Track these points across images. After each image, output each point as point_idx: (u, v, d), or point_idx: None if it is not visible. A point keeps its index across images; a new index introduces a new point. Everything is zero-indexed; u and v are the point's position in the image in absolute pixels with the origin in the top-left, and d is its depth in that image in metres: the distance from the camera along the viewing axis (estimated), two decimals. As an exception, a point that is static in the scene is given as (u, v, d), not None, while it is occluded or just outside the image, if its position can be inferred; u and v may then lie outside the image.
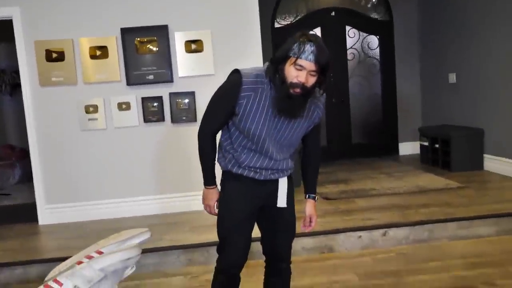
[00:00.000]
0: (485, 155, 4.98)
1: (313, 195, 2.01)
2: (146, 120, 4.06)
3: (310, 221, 1.98)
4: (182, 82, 4.05)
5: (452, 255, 3.08)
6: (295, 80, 1.63)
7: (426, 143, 5.55)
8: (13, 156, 5.96)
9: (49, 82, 3.96)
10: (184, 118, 4.09)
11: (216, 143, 1.93)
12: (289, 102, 1.68)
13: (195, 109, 4.07)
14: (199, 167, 1.91)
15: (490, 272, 2.73)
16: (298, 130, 1.85)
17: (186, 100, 4.06)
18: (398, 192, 4.32)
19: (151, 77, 4.00)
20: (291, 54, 1.61)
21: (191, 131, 3.88)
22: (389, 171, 5.33)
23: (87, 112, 4.02)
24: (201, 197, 1.96)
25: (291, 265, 2.07)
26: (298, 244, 3.24)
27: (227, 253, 1.91)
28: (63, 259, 3.10)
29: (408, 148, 6.45)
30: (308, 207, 2.01)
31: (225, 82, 1.84)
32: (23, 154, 5.89)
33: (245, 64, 3.79)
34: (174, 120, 4.08)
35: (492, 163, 4.87)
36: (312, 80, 1.65)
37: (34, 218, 4.14)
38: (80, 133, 4.04)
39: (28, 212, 4.25)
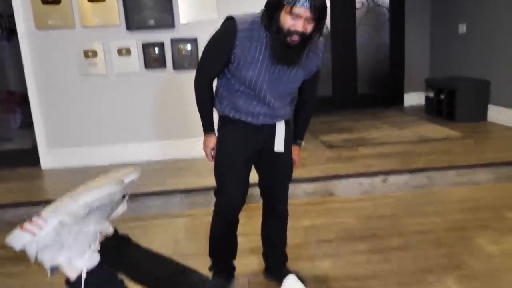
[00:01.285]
0: (489, 106, 5.23)
1: (300, 141, 2.18)
2: (147, 66, 4.20)
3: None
4: (184, 28, 4.17)
5: (450, 200, 3.36)
6: (292, 29, 1.68)
7: (431, 94, 5.77)
8: (13, 102, 6.09)
9: (46, 25, 4.08)
10: (186, 65, 4.22)
11: (212, 90, 2.01)
12: (286, 50, 1.76)
13: (197, 55, 4.14)
14: (193, 107, 2.06)
15: (485, 216, 2.99)
16: (296, 77, 1.95)
17: (189, 47, 4.19)
18: (401, 141, 4.55)
19: (151, 21, 4.10)
20: (285, 3, 1.65)
21: (190, 77, 4.11)
22: (393, 121, 5.54)
23: (86, 57, 4.16)
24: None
25: (288, 208, 2.23)
26: (299, 189, 3.48)
27: (224, 196, 2.03)
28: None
29: (414, 98, 6.65)
30: (292, 152, 2.15)
31: (219, 29, 1.91)
32: (23, 100, 5.84)
33: (250, 8, 3.94)
34: (176, 66, 4.23)
35: (497, 114, 5.12)
36: (310, 27, 1.71)
37: (37, 162, 4.31)
38: (80, 78, 4.22)
39: (30, 157, 4.45)
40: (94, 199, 1.14)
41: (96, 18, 4.11)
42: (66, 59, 4.18)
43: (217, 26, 3.83)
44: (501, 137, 4.58)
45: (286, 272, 2.16)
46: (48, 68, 4.18)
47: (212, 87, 1.99)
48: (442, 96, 5.58)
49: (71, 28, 4.12)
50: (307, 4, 1.62)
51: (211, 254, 2.17)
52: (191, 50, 4.20)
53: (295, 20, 1.67)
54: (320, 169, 3.75)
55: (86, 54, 4.16)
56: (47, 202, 3.34)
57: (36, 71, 4.18)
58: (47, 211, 1.14)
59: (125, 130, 4.34)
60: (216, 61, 1.91)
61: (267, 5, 1.77)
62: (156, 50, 4.19)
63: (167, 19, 4.11)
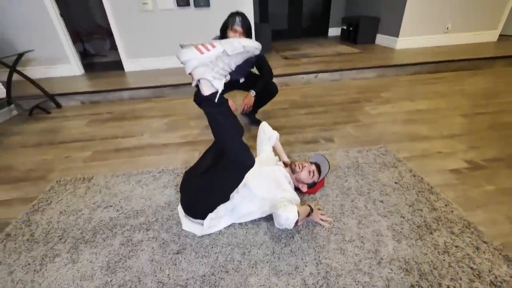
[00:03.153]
0: (377, 35, 4.70)
1: (254, 92, 1.90)
2: (178, 4, 3.55)
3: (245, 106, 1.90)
4: None
5: (351, 87, 3.12)
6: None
7: (345, 27, 5.15)
8: (103, 32, 5.28)
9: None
10: (202, 4, 3.57)
11: None
12: None
13: None
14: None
15: (369, 95, 2.82)
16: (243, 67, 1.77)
17: (203, -9, 3.43)
18: (325, 54, 4.15)
19: None
20: (229, 25, 1.64)
21: (205, 12, 3.48)
22: (321, 44, 5.05)
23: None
24: None
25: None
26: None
27: None
28: (143, 88, 3.14)
29: (334, 31, 5.98)
30: (247, 96, 1.90)
31: None
32: (109, 31, 5.24)
33: None
34: (196, 4, 3.58)
35: (381, 39, 4.63)
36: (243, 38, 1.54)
37: (122, 68, 3.93)
38: (140, 13, 3.55)
39: (118, 65, 4.01)
40: (248, 45, 0.91)
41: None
42: (130, 2, 3.47)
43: None
44: (381, 52, 4.16)
45: (256, 119, 2.22)
46: (119, 7, 3.50)
47: None
48: (351, 28, 4.95)
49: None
50: (239, 24, 1.64)
51: None
52: (205, -7, 3.44)
53: (235, 34, 1.66)
54: (280, 70, 3.40)
55: (140, -3, 3.38)
56: (129, 89, 3.13)
57: (113, 10, 3.51)
58: (216, 41, 0.92)
59: (167, 46, 3.79)
60: None
61: (221, 28, 1.73)
62: (183, -7, 3.42)
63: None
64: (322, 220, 1.22)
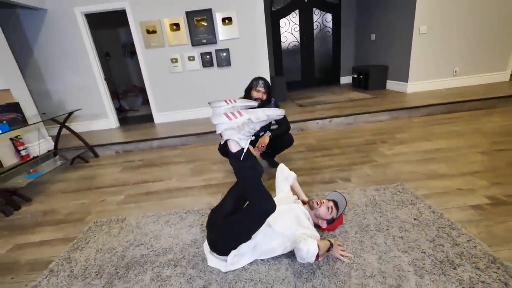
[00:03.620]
0: (387, 81, 5.00)
1: (270, 133, 2.10)
2: (203, 65, 4.06)
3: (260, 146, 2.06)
4: (222, 43, 3.99)
5: (365, 130, 3.27)
6: (255, 96, 1.97)
7: (355, 75, 5.50)
8: (137, 90, 6.04)
9: (150, 46, 3.94)
10: (224, 64, 4.07)
11: None
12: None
13: (229, 59, 4.03)
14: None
15: (384, 137, 2.94)
16: None
17: (224, 54, 4.02)
18: (338, 101, 4.41)
19: (204, 40, 3.93)
20: (252, 86, 1.98)
21: (227, 71, 3.98)
22: (334, 91, 5.35)
23: (172, 62, 4.02)
24: None
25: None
26: None
27: None
28: (171, 137, 3.49)
29: (345, 79, 6.37)
30: (263, 137, 2.09)
31: None
32: (142, 89, 5.95)
33: (255, 26, 3.78)
34: (218, 65, 4.07)
35: (391, 84, 4.90)
36: (264, 96, 1.99)
37: (152, 120, 4.38)
38: (169, 74, 4.10)
39: (149, 118, 4.48)
40: (271, 114, 1.11)
41: (176, 40, 3.95)
42: (161, 64, 4.05)
43: (239, 41, 3.75)
44: (392, 96, 4.38)
45: (274, 162, 2.39)
46: (153, 70, 4.07)
47: None
48: (362, 76, 5.31)
49: (163, 47, 3.97)
50: (262, 86, 1.97)
51: None
52: (225, 55, 4.03)
53: (258, 93, 1.98)
54: (295, 117, 3.66)
55: (172, 60, 4.03)
56: (158, 139, 3.49)
57: (148, 72, 4.08)
58: (243, 111, 1.11)
59: (193, 100, 4.26)
60: None
61: (246, 89, 2.05)
62: (208, 56, 4.03)
63: (212, 38, 3.94)
64: (342, 255, 1.27)
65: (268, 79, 4.19)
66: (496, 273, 1.11)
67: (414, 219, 1.51)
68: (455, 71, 4.38)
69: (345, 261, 1.25)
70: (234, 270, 1.29)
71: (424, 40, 4.15)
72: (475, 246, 1.26)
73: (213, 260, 1.34)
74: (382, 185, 1.90)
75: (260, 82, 1.97)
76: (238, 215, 1.25)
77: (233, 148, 1.14)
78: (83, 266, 1.46)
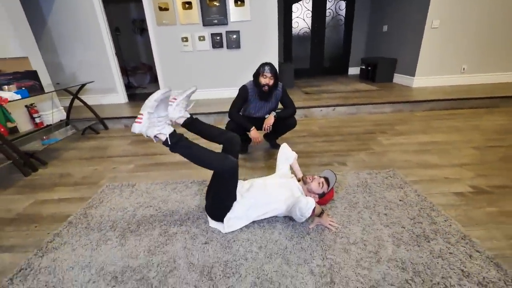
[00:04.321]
0: (395, 74, 5.01)
1: (275, 114, 2.18)
2: (213, 46, 4.11)
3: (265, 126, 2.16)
4: (232, 25, 4.01)
5: (367, 120, 3.36)
6: (263, 83, 2.05)
7: (364, 67, 5.51)
8: (145, 68, 6.10)
9: (161, 23, 3.98)
10: (233, 46, 4.11)
11: (240, 114, 2.19)
12: (263, 93, 2.09)
13: (239, 41, 4.07)
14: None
15: (384, 127, 3.03)
16: (271, 104, 2.20)
17: (235, 36, 4.05)
18: (344, 91, 4.47)
19: (215, 21, 3.96)
20: (260, 72, 2.05)
21: (236, 53, 4.04)
22: (341, 82, 5.38)
23: (182, 41, 4.08)
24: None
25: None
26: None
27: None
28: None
29: (354, 70, 6.37)
30: (269, 117, 2.18)
31: (240, 90, 2.16)
32: (150, 67, 6.06)
33: (267, 9, 3.82)
34: (228, 47, 4.12)
35: (399, 78, 4.92)
36: (271, 82, 2.06)
37: None
38: (179, 53, 4.16)
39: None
40: (157, 96, 1.18)
41: (187, 19, 3.98)
42: (172, 43, 4.10)
43: (250, 23, 3.78)
44: (398, 90, 4.43)
45: (276, 144, 2.54)
46: (163, 48, 4.13)
47: (239, 113, 2.22)
48: (370, 68, 5.33)
49: (174, 25, 4.01)
50: (268, 70, 2.03)
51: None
52: (235, 37, 4.07)
53: (265, 78, 2.06)
54: (300, 103, 3.76)
55: (182, 39, 4.08)
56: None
57: (157, 50, 4.13)
58: (141, 109, 1.22)
59: (201, 81, 4.33)
60: (239, 103, 2.18)
61: (254, 74, 2.13)
62: (218, 37, 4.06)
63: (223, 19, 3.96)
64: (330, 225, 1.43)
65: (276, 65, 4.25)
66: (464, 247, 1.26)
67: (400, 200, 1.65)
68: (463, 69, 4.39)
69: (332, 230, 1.41)
70: (232, 231, 1.46)
71: (435, 35, 4.15)
72: (450, 225, 1.41)
73: (214, 222, 1.51)
74: (375, 170, 2.04)
75: (267, 67, 2.06)
76: (215, 181, 1.42)
77: (163, 138, 1.25)
78: (98, 220, 1.65)
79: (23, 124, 3.25)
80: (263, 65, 2.09)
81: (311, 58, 6.27)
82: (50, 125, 3.34)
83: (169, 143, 1.26)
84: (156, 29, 4.02)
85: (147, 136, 1.26)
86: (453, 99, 3.59)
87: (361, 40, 6.13)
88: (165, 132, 1.25)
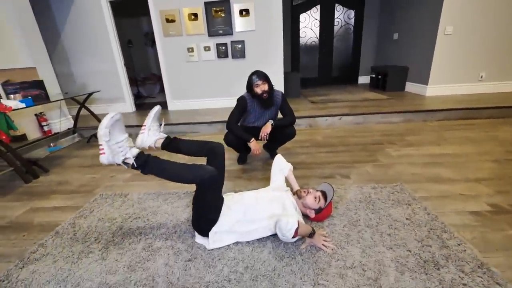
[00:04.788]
0: (407, 82, 4.82)
1: (273, 122, 2.10)
2: (218, 56, 4.11)
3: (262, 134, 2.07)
4: (237, 35, 4.01)
5: (374, 130, 3.20)
6: (260, 91, 1.98)
7: (374, 75, 5.34)
8: (155, 79, 6.18)
9: (168, 34, 4.04)
10: (238, 55, 4.09)
11: (238, 125, 2.13)
12: (265, 101, 2.02)
13: (244, 51, 4.05)
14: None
15: (393, 138, 2.86)
16: (271, 112, 2.12)
17: (240, 45, 4.04)
18: (352, 100, 4.32)
19: (221, 31, 3.97)
20: (251, 83, 1.98)
21: (241, 62, 4.01)
22: (350, 91, 5.24)
23: (188, 51, 4.10)
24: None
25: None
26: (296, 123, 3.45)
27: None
28: (181, 124, 3.60)
29: (364, 79, 6.21)
30: (266, 125, 2.08)
31: (238, 102, 2.09)
32: (159, 78, 6.05)
33: (272, 19, 3.79)
34: (233, 56, 4.11)
35: (411, 86, 4.73)
36: (266, 87, 1.98)
37: (166, 107, 4.48)
38: (185, 63, 4.19)
39: (164, 104, 4.51)
40: (106, 122, 1.13)
41: (193, 29, 4.01)
42: (178, 53, 4.13)
43: (255, 33, 3.75)
44: (410, 99, 4.22)
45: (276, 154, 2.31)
46: (170, 58, 4.17)
47: (237, 124, 2.15)
48: (380, 76, 5.16)
49: (180, 36, 4.05)
50: (257, 79, 1.97)
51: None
52: (240, 47, 4.06)
53: (259, 87, 1.99)
54: (305, 113, 3.66)
55: (188, 50, 4.11)
56: (169, 124, 3.61)
57: (165, 60, 4.18)
58: (99, 140, 1.17)
59: (207, 90, 4.34)
60: (238, 114, 2.10)
61: (247, 87, 2.05)
62: (223, 47, 4.06)
63: (229, 30, 3.96)
64: (324, 245, 1.29)
65: (282, 74, 4.19)
66: (481, 277, 1.08)
67: (407, 218, 1.49)
68: (481, 76, 4.15)
69: (327, 251, 1.26)
70: (219, 249, 1.34)
71: (449, 42, 3.96)
72: (465, 250, 1.23)
73: (200, 238, 1.40)
74: (380, 184, 1.88)
75: (254, 77, 1.97)
76: (197, 194, 1.32)
77: (130, 162, 1.21)
78: (84, 231, 1.58)
79: (32, 132, 3.31)
80: (250, 76, 2.01)
81: (319, 67, 6.18)
82: (58, 133, 3.38)
83: (136, 165, 1.20)
84: (163, 40, 4.08)
85: (117, 164, 1.21)
86: (469, 108, 3.36)
87: (371, 49, 5.99)
88: (129, 155, 1.19)
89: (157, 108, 1.43)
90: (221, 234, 1.34)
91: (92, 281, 1.21)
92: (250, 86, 2.02)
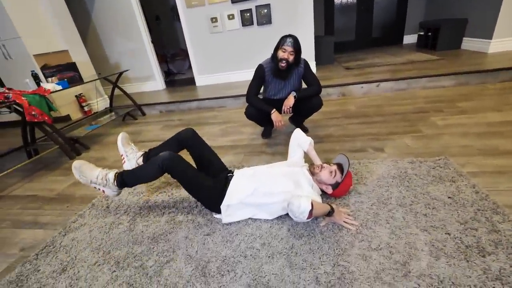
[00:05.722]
0: (464, 38, 4.12)
1: (295, 94, 1.93)
2: (243, 24, 3.90)
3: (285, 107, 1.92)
4: None
5: (419, 96, 2.84)
6: (281, 57, 1.79)
7: (422, 33, 4.65)
8: (183, 54, 6.13)
9: (191, 5, 3.92)
10: (264, 22, 3.84)
11: (258, 97, 2.01)
12: (279, 71, 1.85)
13: (270, 15, 3.79)
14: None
15: (441, 105, 2.52)
16: (293, 82, 1.96)
17: (265, 10, 3.77)
18: (394, 63, 3.85)
19: None
20: (280, 45, 1.80)
21: (268, 29, 3.76)
22: (392, 53, 4.68)
23: (212, 22, 3.96)
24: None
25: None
26: (324, 92, 3.17)
27: None
28: (208, 99, 3.60)
29: (410, 38, 5.47)
30: (288, 98, 1.93)
31: (255, 71, 1.97)
32: (188, 53, 6.16)
33: None
34: (258, 23, 3.87)
35: (470, 43, 4.03)
36: (291, 58, 1.80)
37: (194, 83, 4.53)
38: (210, 35, 4.08)
39: (192, 81, 4.65)
40: (77, 176, 1.40)
41: (216, -2, 3.76)
42: (202, 24, 4.02)
43: None
44: (467, 58, 3.60)
45: (304, 127, 2.33)
46: (194, 31, 4.08)
47: (257, 96, 2.04)
48: (430, 33, 4.46)
49: (203, 5, 3.90)
50: (289, 44, 1.78)
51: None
52: (266, 11, 3.77)
53: (283, 53, 1.81)
54: (337, 80, 3.38)
55: (212, 20, 3.96)
56: (196, 100, 3.64)
57: (189, 34, 4.10)
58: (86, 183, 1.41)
59: (233, 63, 4.21)
60: (257, 84, 2.01)
61: (275, 48, 1.89)
62: (248, 13, 3.82)
63: (252, -7, 3.62)
64: (346, 222, 1.19)
65: (312, 39, 3.85)
66: (540, 268, 0.91)
67: (449, 197, 1.30)
68: None
69: (350, 229, 1.17)
70: (237, 224, 1.34)
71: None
72: (521, 236, 1.04)
73: (216, 214, 1.41)
74: (420, 158, 1.67)
75: (288, 40, 1.79)
76: (181, 183, 1.37)
77: (113, 189, 1.39)
78: (116, 204, 1.70)
79: (74, 113, 3.61)
80: (284, 37, 1.82)
81: (357, 29, 5.57)
82: (96, 112, 3.64)
83: (117, 186, 1.37)
84: (186, 12, 3.98)
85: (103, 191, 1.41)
86: (547, 64, 2.75)
87: (420, 1, 5.16)
88: (109, 186, 1.37)
89: (120, 135, 1.61)
90: (234, 209, 1.32)
91: (121, 250, 1.30)
92: (277, 47, 1.86)
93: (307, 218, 1.10)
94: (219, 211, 1.35)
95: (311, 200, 1.08)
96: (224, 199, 1.30)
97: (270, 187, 1.28)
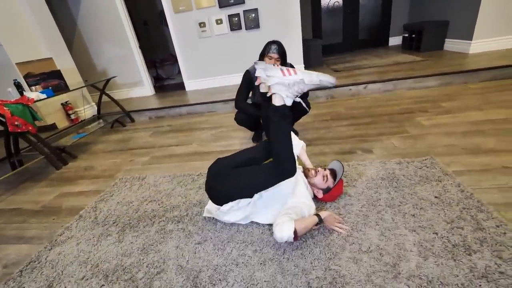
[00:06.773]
0: (446, 40, 4.23)
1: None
2: (231, 29, 3.92)
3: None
4: (250, 3, 3.75)
5: (405, 97, 2.90)
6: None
7: (406, 34, 4.76)
8: (173, 59, 6.11)
9: (178, 10, 3.90)
10: (252, 26, 3.86)
11: (247, 102, 2.04)
12: None
13: (258, 20, 3.81)
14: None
15: (426, 105, 2.57)
16: None
17: (253, 14, 3.79)
18: (381, 65, 3.93)
19: (232, 1, 3.73)
20: (265, 52, 1.80)
21: (256, 33, 3.77)
22: (378, 54, 4.78)
23: (200, 26, 3.95)
24: None
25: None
26: (313, 94, 3.22)
27: None
28: (198, 104, 3.58)
29: (396, 40, 5.60)
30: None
31: (243, 77, 2.00)
32: (177, 58, 6.14)
33: None
34: (246, 28, 3.89)
35: (451, 44, 4.15)
36: (278, 63, 1.80)
37: (184, 88, 4.50)
38: (198, 40, 4.07)
39: (181, 86, 4.64)
40: (324, 79, 1.09)
41: (203, 2, 3.82)
42: (190, 29, 4.01)
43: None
44: (449, 58, 3.70)
45: (294, 130, 2.23)
46: (182, 36, 4.06)
47: (246, 101, 2.06)
48: (413, 35, 4.56)
49: (191, 11, 3.90)
50: (275, 51, 1.79)
51: None
52: (254, 16, 3.80)
53: (270, 60, 1.80)
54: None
55: (200, 25, 3.96)
56: (186, 105, 3.61)
57: (178, 39, 4.09)
58: (300, 71, 1.11)
59: (222, 67, 4.21)
60: (245, 90, 2.03)
61: (260, 54, 1.88)
62: (236, 18, 3.84)
63: (240, -2, 3.64)
64: (337, 227, 1.20)
65: (300, 42, 3.89)
66: (523, 265, 0.93)
67: (435, 197, 1.33)
68: (542, 24, 3.47)
69: (341, 233, 1.18)
70: (229, 230, 1.33)
71: (501, -16, 3.32)
72: (504, 233, 1.07)
73: (209, 205, 1.37)
74: (407, 158, 1.70)
75: (273, 47, 1.80)
76: (254, 168, 1.22)
77: (277, 102, 1.13)
78: (104, 214, 1.66)
79: (61, 121, 3.52)
80: (269, 44, 1.84)
81: (344, 32, 5.66)
82: (83, 120, 3.56)
83: (283, 112, 1.14)
84: (174, 17, 3.96)
85: (267, 76, 1.13)
86: (524, 64, 2.86)
87: (403, 4, 5.29)
88: (288, 102, 1.14)
89: (331, 80, 1.19)
90: (235, 212, 1.30)
91: (109, 263, 1.27)
92: (263, 53, 1.87)
93: (295, 240, 1.10)
94: (220, 204, 1.30)
95: (293, 225, 1.07)
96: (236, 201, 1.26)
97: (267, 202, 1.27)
